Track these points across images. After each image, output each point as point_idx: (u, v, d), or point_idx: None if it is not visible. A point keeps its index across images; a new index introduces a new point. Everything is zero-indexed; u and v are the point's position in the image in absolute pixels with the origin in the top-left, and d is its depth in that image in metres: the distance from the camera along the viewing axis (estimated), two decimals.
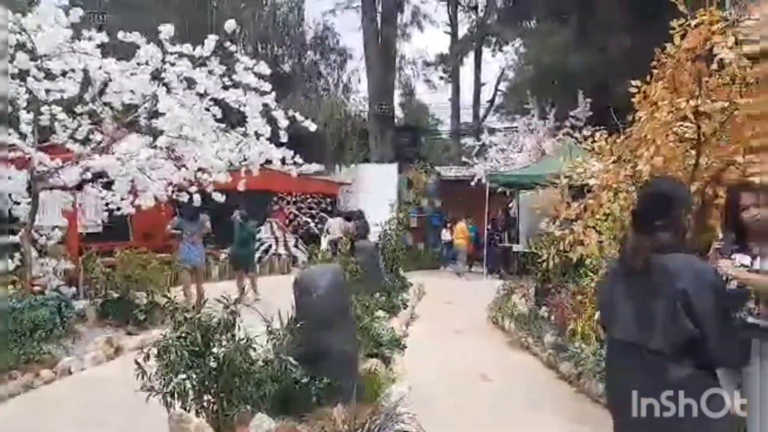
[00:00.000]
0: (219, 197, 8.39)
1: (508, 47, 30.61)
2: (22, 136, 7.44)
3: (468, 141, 27.32)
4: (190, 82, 7.74)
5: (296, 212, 17.46)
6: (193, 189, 8.35)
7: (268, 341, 4.38)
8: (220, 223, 11.15)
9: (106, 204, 8.60)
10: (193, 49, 7.53)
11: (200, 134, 7.61)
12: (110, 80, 7.41)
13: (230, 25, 7.50)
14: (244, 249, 10.81)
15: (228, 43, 7.72)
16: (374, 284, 8.99)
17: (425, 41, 70.03)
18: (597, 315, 5.84)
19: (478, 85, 32.97)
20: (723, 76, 4.05)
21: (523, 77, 24.92)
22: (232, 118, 8.47)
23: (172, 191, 8.29)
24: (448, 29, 32.47)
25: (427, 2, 31.76)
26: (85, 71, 7.33)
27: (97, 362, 6.57)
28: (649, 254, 2.17)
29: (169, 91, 7.44)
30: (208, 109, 7.82)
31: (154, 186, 7.79)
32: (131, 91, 7.42)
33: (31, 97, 7.32)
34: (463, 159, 20.36)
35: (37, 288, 7.52)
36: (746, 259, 3.03)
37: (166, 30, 7.35)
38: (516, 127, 19.49)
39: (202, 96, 7.73)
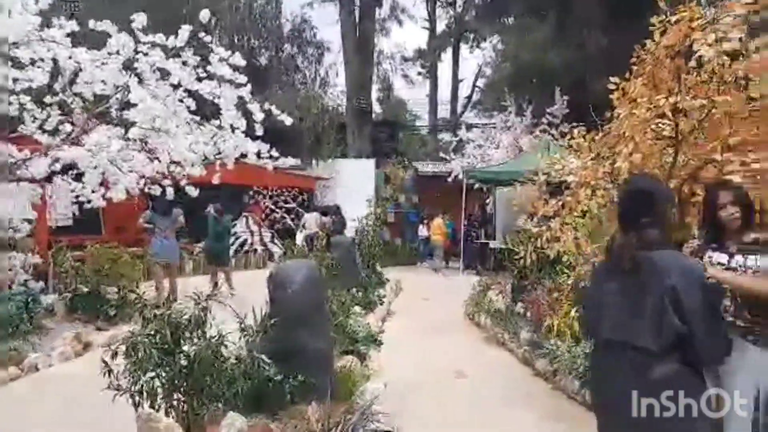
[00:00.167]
0: (193, 191, 8.25)
1: (485, 44, 30.76)
2: None
3: (445, 137, 27.31)
4: (164, 73, 7.57)
5: (272, 207, 17.29)
6: (167, 182, 8.20)
7: (240, 338, 4.29)
8: (194, 217, 11.01)
9: (76, 197, 8.39)
10: (167, 39, 7.38)
11: (173, 126, 7.44)
12: (81, 70, 7.21)
13: (205, 15, 7.35)
14: (219, 244, 10.66)
15: (203, 34, 7.56)
16: (350, 280, 8.92)
17: (403, 36, 70.00)
18: (573, 312, 5.89)
19: (455, 81, 33.06)
20: (701, 74, 4.05)
21: (501, 74, 25.00)
22: (206, 111, 8.31)
23: (145, 184, 8.11)
24: (427, 24, 32.47)
25: None
26: (55, 60, 7.12)
27: (65, 358, 6.41)
28: (637, 251, 2.15)
29: (141, 81, 7.27)
30: (181, 101, 7.65)
31: (126, 179, 7.59)
32: (102, 81, 7.22)
33: None
34: (441, 155, 20.32)
35: None
36: (723, 258, 3.03)
37: (139, 19, 7.17)
38: (494, 124, 19.51)
39: (175, 87, 7.57)
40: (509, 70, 22.59)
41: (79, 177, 8.03)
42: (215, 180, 8.36)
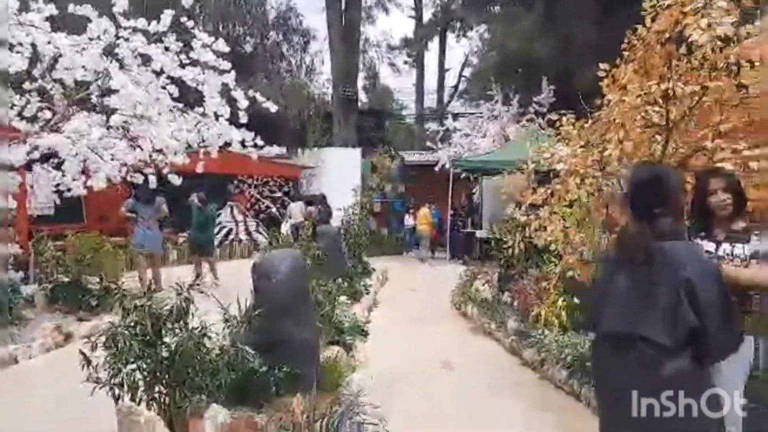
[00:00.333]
0: (176, 179, 8.14)
1: (472, 33, 30.67)
2: None
3: (432, 126, 27.24)
4: (146, 59, 7.42)
5: (258, 196, 17.14)
6: (149, 171, 8.06)
7: (224, 329, 4.21)
8: (177, 206, 10.88)
9: (56, 185, 8.22)
10: (149, 25, 7.23)
11: (156, 113, 7.32)
12: (60, 56, 7.04)
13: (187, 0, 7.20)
14: (203, 233, 10.53)
15: (185, 19, 7.42)
16: (336, 269, 8.84)
17: (390, 24, 69.61)
18: (561, 302, 5.87)
19: (442, 70, 33.03)
20: (692, 60, 4.00)
21: (487, 63, 24.93)
22: (189, 98, 8.17)
23: (127, 172, 7.97)
24: (413, 13, 32.32)
25: None
26: (33, 45, 6.94)
27: (46, 350, 6.29)
28: (650, 242, 2.07)
29: (123, 67, 7.12)
30: (164, 88, 7.53)
31: (107, 166, 7.46)
32: (83, 67, 7.06)
33: None
34: (428, 144, 20.25)
35: None
36: (711, 246, 2.99)
37: (120, 3, 7.02)
38: (480, 113, 19.46)
39: (158, 74, 7.43)
40: (496, 60, 22.53)
41: (60, 165, 7.88)
42: (199, 169, 8.26)
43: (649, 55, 3.96)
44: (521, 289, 7.17)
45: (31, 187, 9.39)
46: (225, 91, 7.91)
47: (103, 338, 3.51)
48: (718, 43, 3.49)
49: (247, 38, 22.92)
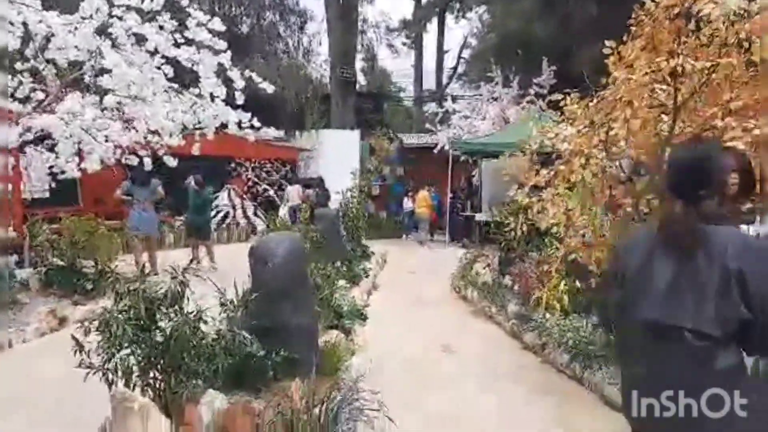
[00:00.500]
0: (171, 161, 8.03)
1: (471, 14, 30.37)
2: None
3: (431, 108, 27.04)
4: (139, 39, 7.27)
5: (255, 179, 17.00)
6: (144, 152, 7.95)
7: (221, 313, 4.12)
8: (174, 189, 10.77)
9: (50, 167, 8.10)
10: (142, 3, 7.09)
11: (150, 93, 7.20)
12: (53, 35, 6.89)
13: None
14: (200, 216, 10.41)
15: None
16: (335, 253, 8.76)
17: (388, 4, 68.82)
18: (563, 285, 5.78)
19: (441, 51, 32.68)
20: (700, 37, 3.88)
21: (486, 45, 24.69)
22: (185, 78, 8.03)
23: (122, 154, 7.85)
24: None
25: None
26: (25, 24, 6.78)
27: (41, 334, 6.21)
28: (697, 227, 1.93)
29: (115, 46, 6.97)
30: (159, 68, 7.39)
31: (101, 148, 7.34)
32: (76, 47, 6.92)
33: None
34: (426, 126, 20.08)
35: None
36: None
37: None
38: (480, 95, 19.26)
39: (152, 54, 7.29)
40: (495, 41, 22.30)
41: (54, 148, 7.77)
42: (195, 151, 8.15)
43: (657, 30, 3.83)
44: (522, 273, 7.09)
45: (25, 169, 9.27)
46: (221, 72, 7.78)
47: (96, 323, 3.42)
48: (731, 17, 3.37)
49: (243, 18, 22.64)
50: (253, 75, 7.83)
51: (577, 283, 5.73)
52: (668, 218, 2.04)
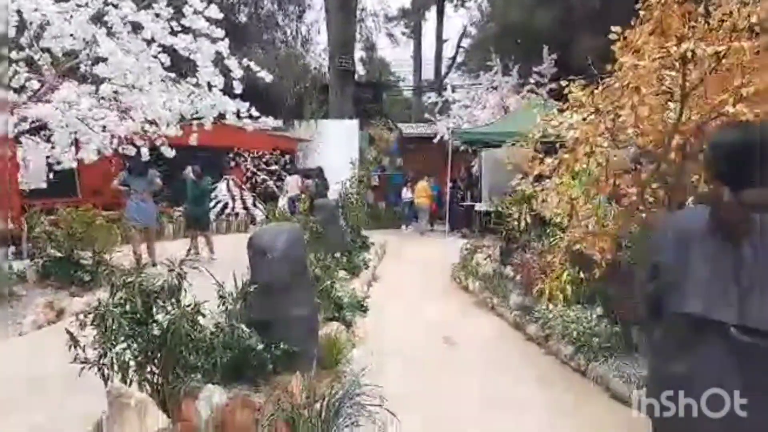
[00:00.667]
0: (169, 152, 7.93)
1: (470, 2, 30.12)
2: None
3: (430, 97, 26.89)
4: (135, 27, 7.15)
5: (254, 169, 16.89)
6: (141, 142, 7.85)
7: (219, 306, 4.04)
8: (172, 179, 10.68)
9: (47, 158, 8.00)
10: None
11: (147, 82, 7.08)
12: (48, 23, 6.77)
13: None
14: (198, 207, 10.34)
15: None
16: (335, 244, 8.67)
17: None
18: (566, 276, 5.69)
19: (440, 41, 32.45)
20: (710, 21, 3.78)
21: (486, 33, 24.51)
22: (182, 67, 7.91)
23: (119, 144, 7.75)
24: None
25: None
26: (19, 12, 6.66)
27: (37, 326, 6.13)
28: (749, 216, 1.79)
29: (111, 35, 6.86)
30: (155, 57, 7.26)
31: (98, 138, 7.24)
32: (71, 35, 6.80)
33: None
34: (426, 116, 19.94)
35: None
36: None
37: None
38: (479, 84, 19.12)
39: (149, 43, 7.16)
40: (495, 29, 22.13)
41: (50, 138, 7.67)
42: (193, 141, 8.05)
43: (666, 14, 3.73)
44: (524, 263, 7.01)
45: (23, 160, 9.18)
46: (218, 60, 7.66)
47: (91, 316, 3.33)
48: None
49: (241, 7, 22.45)
50: (251, 64, 7.72)
51: (581, 274, 5.64)
52: (722, 207, 1.86)
